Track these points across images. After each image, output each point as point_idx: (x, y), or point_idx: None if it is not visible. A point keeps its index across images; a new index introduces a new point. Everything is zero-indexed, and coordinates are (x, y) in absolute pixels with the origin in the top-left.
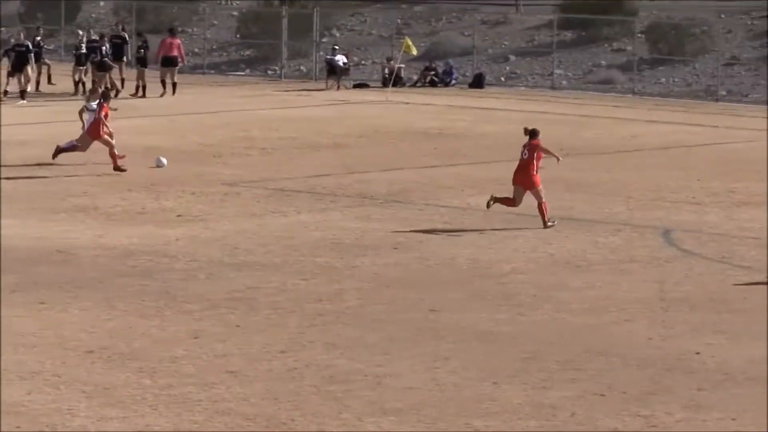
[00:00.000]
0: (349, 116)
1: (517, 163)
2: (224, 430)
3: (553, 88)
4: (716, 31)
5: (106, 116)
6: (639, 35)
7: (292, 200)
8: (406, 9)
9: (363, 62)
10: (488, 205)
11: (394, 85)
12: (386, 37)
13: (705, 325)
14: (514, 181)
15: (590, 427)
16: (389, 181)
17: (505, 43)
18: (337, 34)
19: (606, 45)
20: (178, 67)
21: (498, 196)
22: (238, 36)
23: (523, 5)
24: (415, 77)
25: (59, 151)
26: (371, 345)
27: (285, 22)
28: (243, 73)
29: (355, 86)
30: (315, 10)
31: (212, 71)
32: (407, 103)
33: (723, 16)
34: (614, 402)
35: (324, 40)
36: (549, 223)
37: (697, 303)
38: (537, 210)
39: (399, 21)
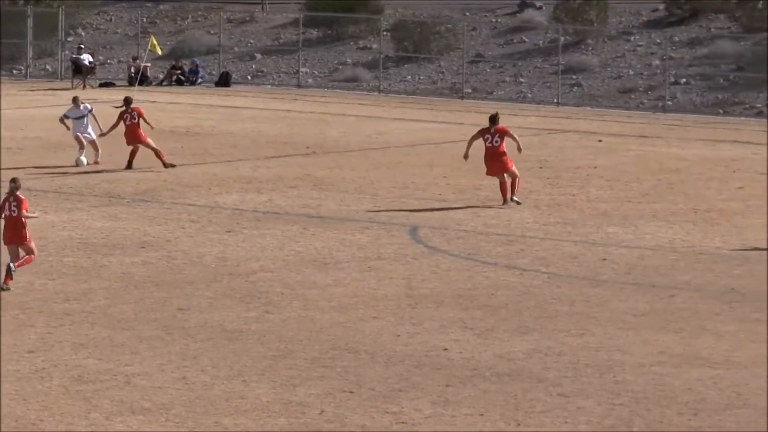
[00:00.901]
0: (97, 115)
1: (483, 151)
2: None
3: (299, 86)
4: (461, 28)
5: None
6: (384, 33)
7: (39, 200)
8: (152, 7)
9: (109, 61)
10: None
11: (140, 84)
12: (132, 35)
13: (453, 321)
14: (491, 173)
15: (339, 424)
16: (136, 180)
17: (251, 41)
18: (83, 33)
19: (352, 43)
20: None
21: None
22: None
23: (269, 4)
24: (162, 76)
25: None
26: (120, 344)
27: (30, 21)
28: None
29: (101, 85)
30: (60, 9)
31: None
32: (154, 102)
33: (468, 14)
34: (363, 399)
35: (70, 39)
36: (516, 200)
37: (445, 299)
38: (509, 185)
39: (144, 20)
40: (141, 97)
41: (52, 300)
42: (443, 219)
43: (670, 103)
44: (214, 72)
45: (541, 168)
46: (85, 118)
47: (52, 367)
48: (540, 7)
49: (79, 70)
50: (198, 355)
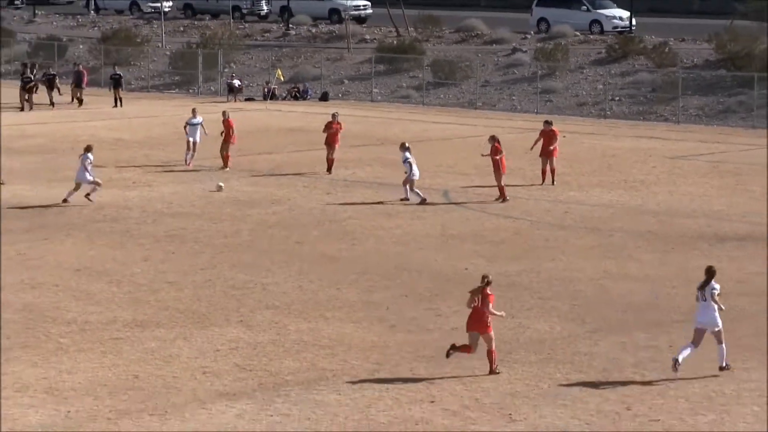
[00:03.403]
0: (243, 119)
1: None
2: (165, 319)
3: (372, 101)
4: (475, 64)
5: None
6: (426, 67)
7: (207, 173)
8: (278, 50)
9: (250, 84)
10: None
11: (270, 99)
12: (265, 68)
13: (471, 251)
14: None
15: (399, 315)
16: (268, 160)
17: (342, 72)
18: (234, 66)
19: (405, 73)
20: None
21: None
22: (170, 67)
23: (353, 48)
24: (285, 94)
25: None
26: (258, 265)
27: (200, 58)
28: (174, 92)
29: (246, 100)
30: (219, 51)
31: (154, 90)
32: (279, 110)
33: (479, 55)
34: (413, 301)
35: (225, 70)
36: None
37: (466, 237)
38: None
39: (273, 58)
40: (272, 107)
41: (215, 237)
42: (465, 186)
43: (609, 112)
44: (317, 91)
45: (526, 153)
46: (198, 127)
47: (216, 279)
48: (525, 51)
49: (231, 90)
50: (309, 272)
